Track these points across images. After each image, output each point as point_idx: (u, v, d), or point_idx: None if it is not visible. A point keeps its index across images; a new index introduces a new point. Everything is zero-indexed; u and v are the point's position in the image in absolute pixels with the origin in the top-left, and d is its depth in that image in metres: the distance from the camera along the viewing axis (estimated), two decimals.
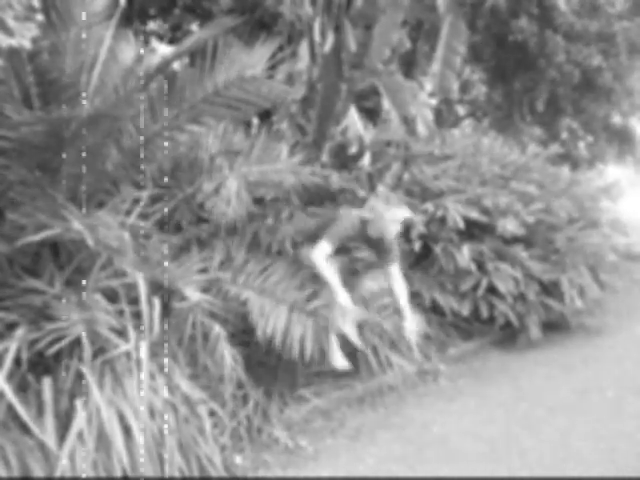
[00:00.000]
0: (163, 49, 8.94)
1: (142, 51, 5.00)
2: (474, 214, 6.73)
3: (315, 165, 6.58)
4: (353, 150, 6.96)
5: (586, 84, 12.17)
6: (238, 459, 4.30)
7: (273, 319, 4.61)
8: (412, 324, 5.07)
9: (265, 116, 6.98)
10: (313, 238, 4.97)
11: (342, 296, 4.73)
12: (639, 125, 18.29)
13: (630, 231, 10.71)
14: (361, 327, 5.43)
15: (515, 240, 6.96)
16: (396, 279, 5.12)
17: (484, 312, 6.68)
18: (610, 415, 5.30)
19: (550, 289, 7.08)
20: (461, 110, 15.33)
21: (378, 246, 5.12)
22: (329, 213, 5.45)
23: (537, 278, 6.93)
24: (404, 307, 5.09)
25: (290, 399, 5.05)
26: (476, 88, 15.01)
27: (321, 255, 4.80)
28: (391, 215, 4.92)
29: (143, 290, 3.72)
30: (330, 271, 4.81)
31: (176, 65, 6.06)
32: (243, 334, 4.79)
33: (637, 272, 10.92)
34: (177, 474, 3.71)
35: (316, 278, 4.93)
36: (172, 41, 9.28)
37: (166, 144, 4.59)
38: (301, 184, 5.53)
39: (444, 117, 13.31)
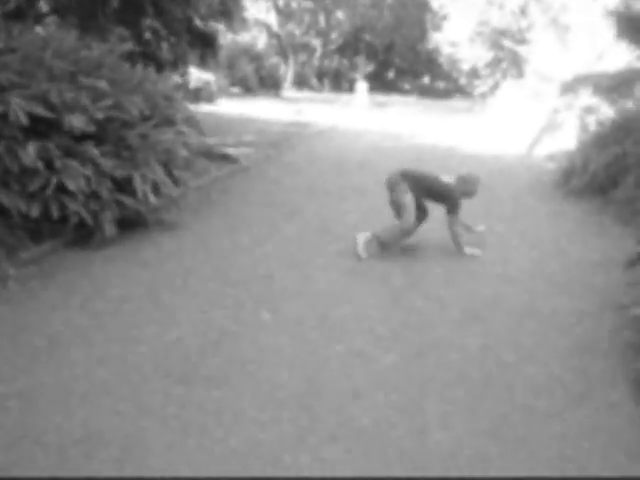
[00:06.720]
0: None
1: None
2: (39, 110, 6.40)
3: None
4: None
5: None
6: None
7: None
8: None
9: None
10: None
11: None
12: (224, 32, 18.97)
13: (224, 132, 11.13)
14: None
15: (85, 137, 6.79)
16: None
17: (55, 212, 6.45)
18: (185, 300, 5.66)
19: (124, 186, 7.07)
20: (44, 7, 14.36)
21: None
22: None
23: (110, 175, 6.87)
24: None
25: None
26: None
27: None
28: None
29: None
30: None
31: None
32: None
33: (216, 171, 11.45)
34: None
35: None
36: None
37: None
38: None
39: (24, 12, 12.41)
